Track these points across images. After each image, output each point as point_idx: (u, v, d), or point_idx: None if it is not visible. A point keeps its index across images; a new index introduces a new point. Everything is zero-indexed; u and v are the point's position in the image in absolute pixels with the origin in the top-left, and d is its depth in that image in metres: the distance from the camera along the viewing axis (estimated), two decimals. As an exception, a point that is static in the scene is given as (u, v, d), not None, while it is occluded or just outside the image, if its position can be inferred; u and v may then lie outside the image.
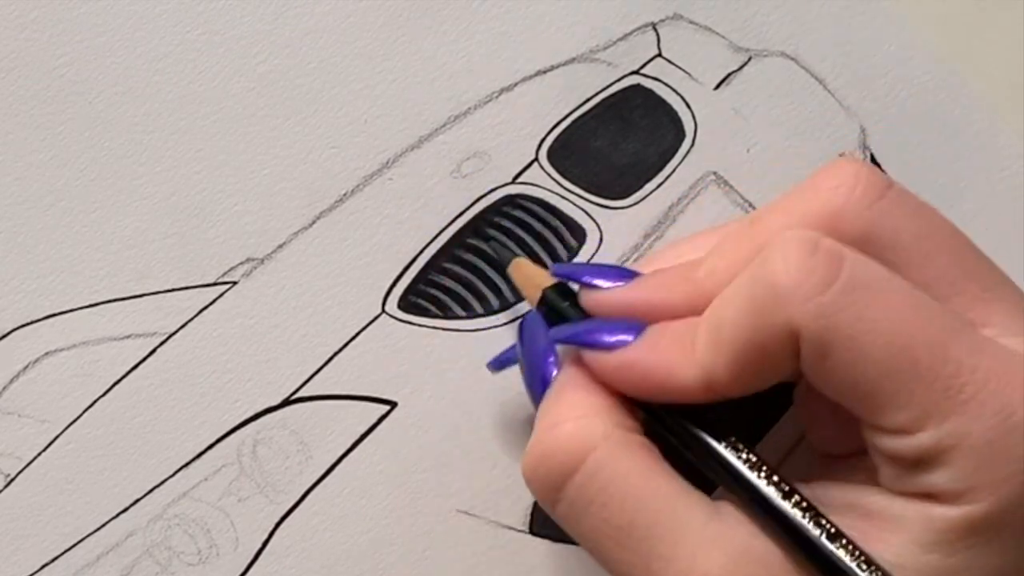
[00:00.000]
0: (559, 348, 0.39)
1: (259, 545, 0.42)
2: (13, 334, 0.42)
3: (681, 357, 0.35)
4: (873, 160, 0.48)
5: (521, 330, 0.40)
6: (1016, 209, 0.48)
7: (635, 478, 0.35)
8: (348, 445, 0.43)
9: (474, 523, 0.43)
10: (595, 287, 0.38)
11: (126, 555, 0.42)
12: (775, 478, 0.34)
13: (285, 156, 0.44)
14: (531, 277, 0.41)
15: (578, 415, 0.36)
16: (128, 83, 0.44)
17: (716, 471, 0.36)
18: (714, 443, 0.35)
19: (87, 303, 0.43)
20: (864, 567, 0.33)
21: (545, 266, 0.44)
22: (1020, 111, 0.49)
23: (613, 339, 0.36)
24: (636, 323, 0.36)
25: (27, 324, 0.42)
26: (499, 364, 0.42)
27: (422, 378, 0.44)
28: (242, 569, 0.42)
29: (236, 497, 0.42)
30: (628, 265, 0.44)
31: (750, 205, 0.47)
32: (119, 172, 0.44)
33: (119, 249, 0.43)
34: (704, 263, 0.37)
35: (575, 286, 0.39)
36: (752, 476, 0.35)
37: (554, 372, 0.38)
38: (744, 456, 0.35)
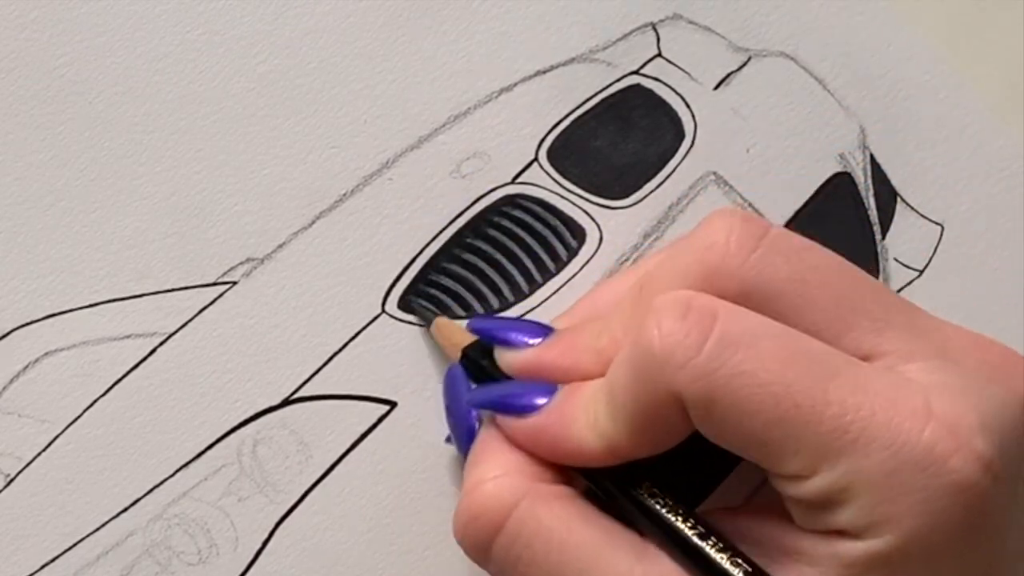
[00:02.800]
0: None
1: (259, 545, 0.42)
2: (13, 334, 0.42)
3: (584, 424, 0.36)
4: (873, 161, 0.48)
5: (444, 386, 0.42)
6: (1016, 209, 0.48)
7: (557, 531, 0.36)
8: (348, 445, 0.43)
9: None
10: (509, 344, 0.39)
11: (126, 555, 0.42)
12: (691, 522, 0.35)
13: (285, 156, 0.44)
14: (451, 336, 0.42)
15: (497, 474, 0.37)
16: (128, 83, 0.44)
17: (634, 516, 0.36)
18: (625, 493, 0.36)
19: (87, 303, 0.43)
20: None
21: (543, 264, 0.44)
22: (1020, 111, 0.49)
23: (524, 403, 0.37)
24: (547, 386, 0.37)
25: (27, 324, 0.42)
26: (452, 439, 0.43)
27: (422, 378, 0.44)
28: (242, 569, 0.42)
29: (236, 497, 0.42)
30: (629, 262, 0.45)
31: (750, 205, 0.47)
32: (119, 172, 0.44)
33: (119, 249, 0.43)
34: (604, 330, 0.38)
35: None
36: (669, 519, 0.35)
37: (477, 426, 0.39)
38: (660, 501, 0.36)
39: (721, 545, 0.35)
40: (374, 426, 0.43)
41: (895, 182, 0.48)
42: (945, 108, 0.48)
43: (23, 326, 0.42)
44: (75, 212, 0.43)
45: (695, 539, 0.35)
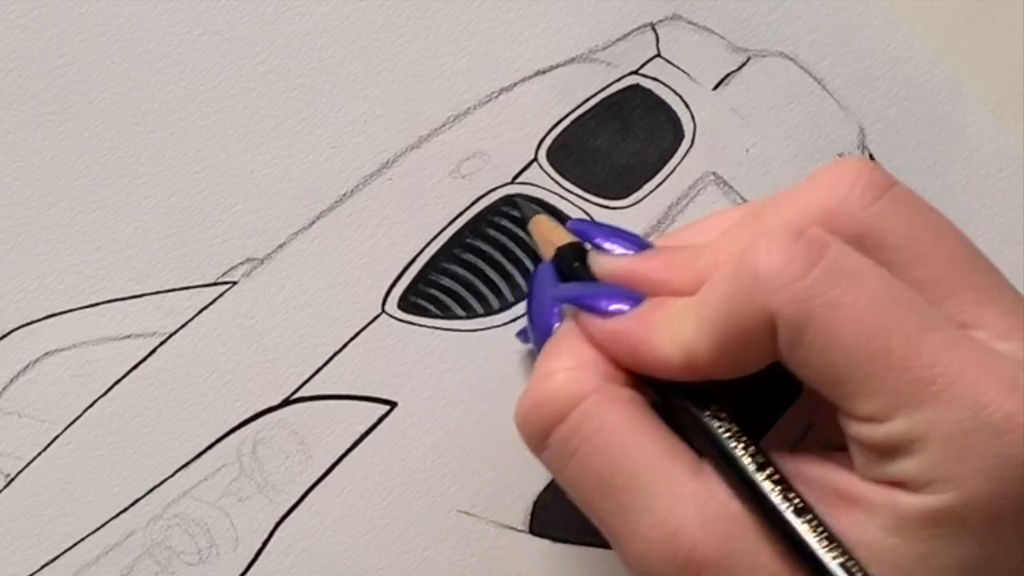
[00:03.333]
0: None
1: (259, 545, 0.42)
2: (13, 334, 0.42)
3: (667, 334, 0.36)
4: (872, 160, 0.48)
5: (532, 280, 0.41)
6: (1016, 209, 0.48)
7: (620, 430, 0.36)
8: (348, 445, 0.43)
9: (474, 523, 0.43)
10: (604, 251, 0.39)
11: (126, 555, 0.42)
12: (751, 449, 0.35)
13: (285, 156, 0.45)
14: (548, 233, 0.42)
15: (571, 366, 0.37)
16: (128, 83, 0.44)
17: (696, 436, 0.36)
18: (693, 409, 0.36)
19: (87, 303, 0.43)
20: (825, 542, 0.34)
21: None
22: (1020, 111, 0.49)
23: (609, 306, 0.37)
24: (635, 294, 0.37)
25: (27, 324, 0.42)
26: (527, 336, 0.43)
27: (422, 378, 0.44)
28: (242, 569, 0.42)
29: (236, 497, 0.42)
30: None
31: (750, 205, 0.47)
32: (119, 172, 0.44)
33: (119, 249, 0.43)
34: (706, 252, 0.37)
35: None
36: (730, 445, 0.35)
37: (556, 324, 0.39)
38: (724, 425, 0.36)
39: (777, 477, 0.34)
40: (374, 426, 0.43)
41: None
42: (944, 108, 0.48)
43: (23, 326, 0.42)
44: (75, 212, 0.43)
45: (752, 468, 0.35)
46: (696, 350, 0.35)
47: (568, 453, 0.36)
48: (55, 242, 0.43)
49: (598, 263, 0.39)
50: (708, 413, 0.36)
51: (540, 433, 0.37)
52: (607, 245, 0.39)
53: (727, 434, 0.35)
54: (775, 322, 0.34)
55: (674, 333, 0.36)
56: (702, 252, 0.37)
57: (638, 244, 0.39)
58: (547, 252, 0.41)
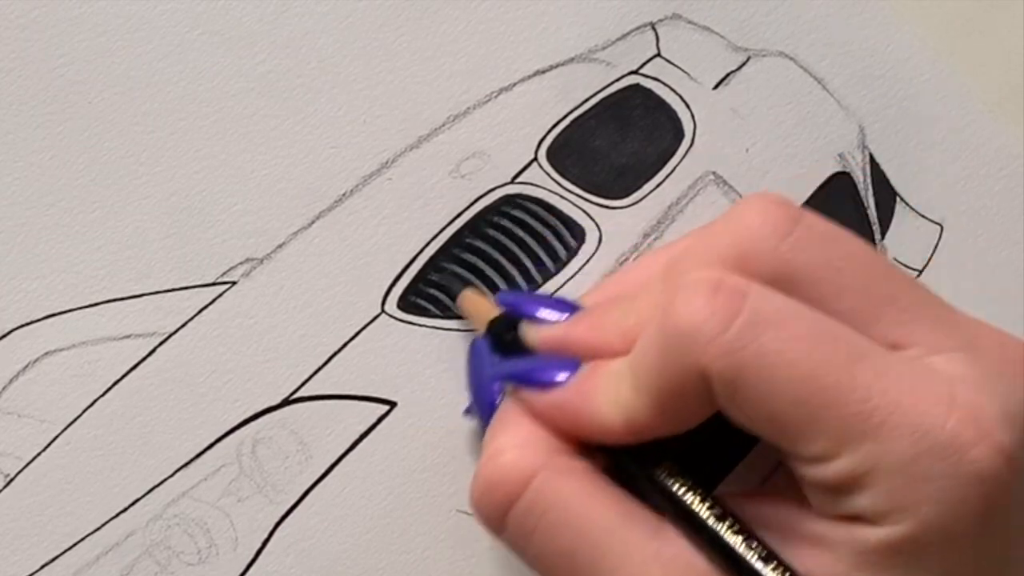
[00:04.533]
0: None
1: (259, 545, 0.42)
2: (13, 334, 0.42)
3: (605, 400, 0.36)
4: (872, 161, 0.48)
5: (469, 357, 0.41)
6: (1016, 209, 0.48)
7: (575, 503, 0.36)
8: (348, 445, 0.43)
9: (474, 523, 0.43)
10: (536, 320, 0.39)
11: (126, 555, 0.42)
12: (709, 502, 0.35)
13: (285, 156, 0.45)
14: (478, 308, 0.42)
15: (518, 443, 0.37)
16: (128, 83, 0.44)
17: (652, 495, 0.36)
18: (644, 471, 0.36)
19: (87, 303, 0.43)
20: None
21: (542, 263, 0.44)
22: (1020, 111, 0.49)
23: (545, 378, 0.37)
24: (571, 362, 0.37)
25: (27, 324, 0.42)
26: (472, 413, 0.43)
27: (422, 378, 0.44)
28: (242, 569, 0.42)
29: (236, 497, 0.42)
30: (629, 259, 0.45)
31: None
32: (119, 172, 0.44)
33: (119, 249, 0.43)
34: (633, 310, 0.38)
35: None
36: (686, 500, 0.35)
37: (497, 400, 0.39)
38: (678, 481, 0.36)
39: (737, 527, 0.35)
40: (374, 426, 0.43)
41: (894, 182, 0.48)
42: (945, 108, 0.48)
43: (23, 326, 0.42)
44: (75, 212, 0.43)
45: (712, 521, 0.35)
46: (636, 412, 0.35)
47: (527, 532, 0.36)
48: (55, 242, 0.43)
49: (531, 334, 0.39)
50: (660, 472, 0.36)
51: (496, 515, 0.37)
52: (538, 314, 0.39)
53: (682, 490, 0.36)
54: (708, 377, 0.34)
55: (612, 398, 0.36)
56: (629, 310, 0.38)
57: (567, 308, 0.40)
58: (479, 326, 0.41)
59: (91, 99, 0.44)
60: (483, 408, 0.40)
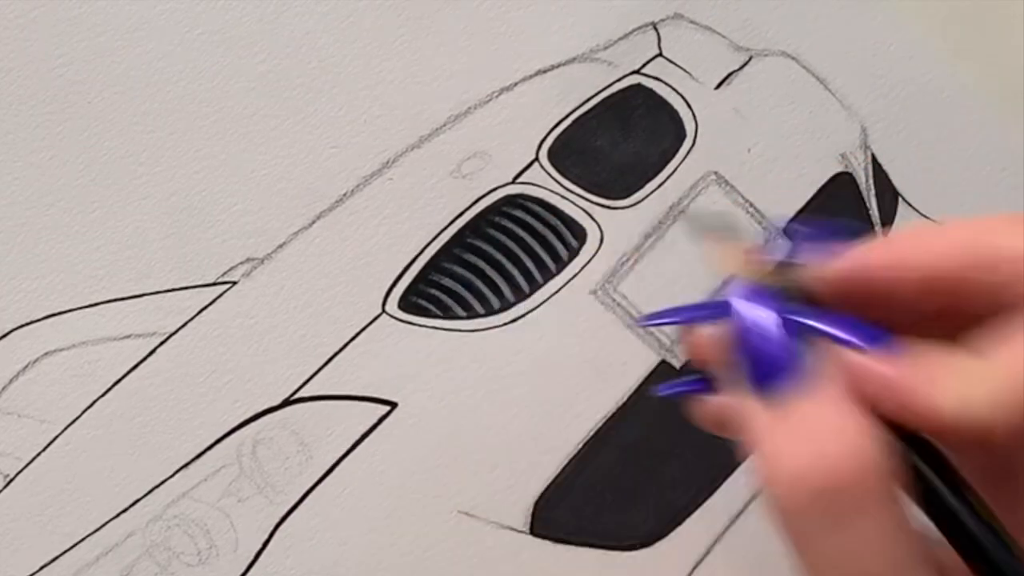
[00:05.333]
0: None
1: (259, 546, 0.42)
2: (13, 334, 0.42)
3: (952, 391, 0.31)
4: (874, 161, 0.48)
5: (737, 306, 0.33)
6: (1016, 209, 0.48)
7: (874, 540, 0.31)
8: (348, 446, 0.43)
9: (475, 524, 0.43)
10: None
11: (125, 555, 0.42)
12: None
13: (285, 156, 0.44)
14: (734, 255, 0.34)
15: (841, 452, 0.31)
16: (128, 83, 0.44)
17: (932, 501, 0.32)
18: (949, 478, 0.32)
19: (87, 303, 0.43)
20: None
21: (544, 263, 0.44)
22: (1020, 111, 0.49)
23: (882, 342, 0.32)
24: (880, 333, 0.32)
25: (27, 324, 0.42)
26: (670, 391, 0.36)
27: (423, 378, 0.44)
28: (242, 569, 0.42)
29: (236, 498, 0.42)
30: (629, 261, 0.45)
31: (751, 205, 0.47)
32: (119, 172, 0.43)
33: (119, 249, 0.43)
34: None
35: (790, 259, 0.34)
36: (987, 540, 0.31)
37: (801, 364, 0.32)
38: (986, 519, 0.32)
39: None
40: (374, 426, 0.43)
41: (896, 182, 0.48)
42: (945, 108, 0.48)
43: (23, 326, 0.42)
44: (75, 212, 0.43)
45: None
46: (989, 415, 0.31)
47: (824, 531, 0.31)
48: (55, 242, 0.43)
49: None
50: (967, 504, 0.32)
51: (794, 512, 0.31)
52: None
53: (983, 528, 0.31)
54: None
55: (961, 392, 0.31)
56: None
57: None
58: (742, 271, 0.34)
59: (90, 99, 0.43)
60: (776, 373, 0.32)
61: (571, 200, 0.46)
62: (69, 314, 0.43)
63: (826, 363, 0.32)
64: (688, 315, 0.34)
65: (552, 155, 0.46)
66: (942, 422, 0.31)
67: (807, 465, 0.31)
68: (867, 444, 0.31)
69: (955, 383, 0.31)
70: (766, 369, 0.32)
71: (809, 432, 0.31)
